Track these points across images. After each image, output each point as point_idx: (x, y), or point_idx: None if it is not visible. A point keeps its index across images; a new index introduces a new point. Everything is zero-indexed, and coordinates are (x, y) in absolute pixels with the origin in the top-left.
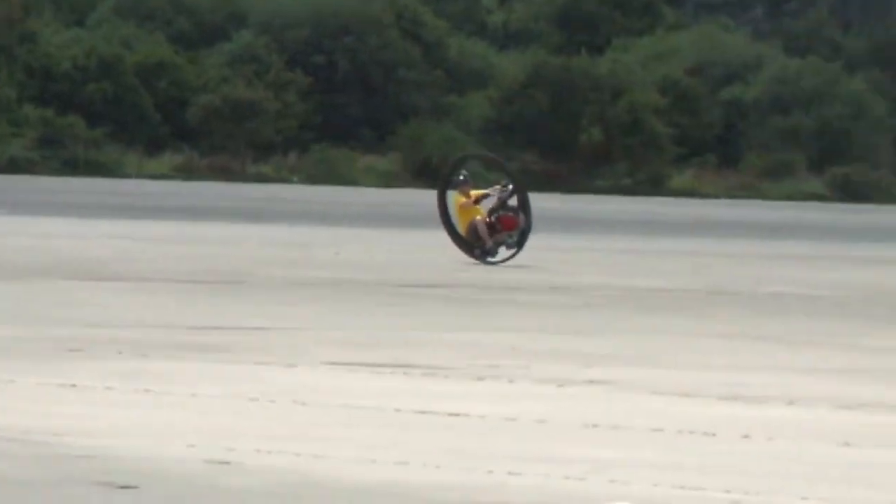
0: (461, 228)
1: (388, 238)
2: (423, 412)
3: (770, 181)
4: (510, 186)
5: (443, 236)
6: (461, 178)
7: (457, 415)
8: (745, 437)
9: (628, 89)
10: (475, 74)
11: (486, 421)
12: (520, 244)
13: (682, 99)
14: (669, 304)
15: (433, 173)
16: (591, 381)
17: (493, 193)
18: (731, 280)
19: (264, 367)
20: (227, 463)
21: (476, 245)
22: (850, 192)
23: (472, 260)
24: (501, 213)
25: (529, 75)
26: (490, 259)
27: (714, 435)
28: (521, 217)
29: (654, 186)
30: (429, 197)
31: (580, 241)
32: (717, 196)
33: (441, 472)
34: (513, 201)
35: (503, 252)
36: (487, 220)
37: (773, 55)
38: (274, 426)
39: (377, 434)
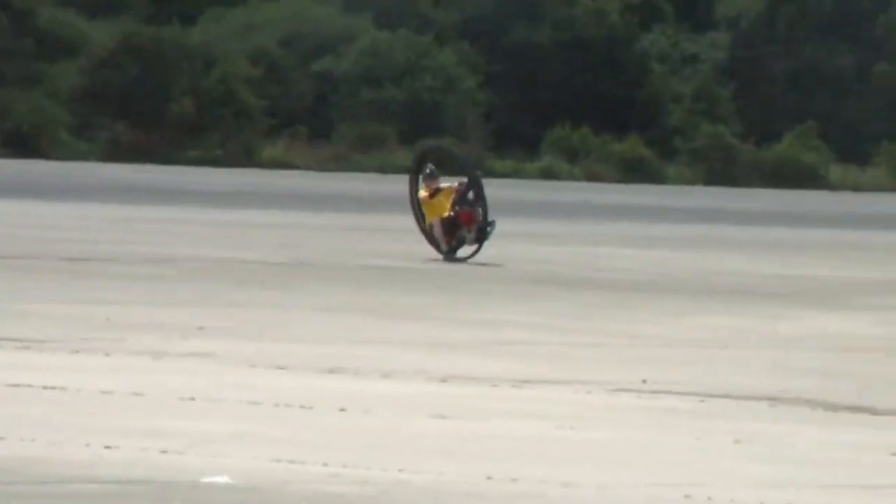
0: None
1: None
2: (17, 385)
3: (361, 153)
4: (466, 179)
5: (25, 207)
6: (428, 171)
7: (52, 388)
8: (342, 410)
9: (221, 60)
10: (66, 43)
11: (81, 394)
12: (479, 240)
13: (273, 70)
14: (262, 276)
15: (23, 142)
16: (188, 354)
17: (451, 187)
18: (324, 252)
19: None
20: None
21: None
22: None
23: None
24: (459, 207)
25: (119, 44)
26: (454, 256)
27: (311, 408)
28: (479, 211)
29: (246, 157)
30: (18, 166)
31: (171, 213)
32: (308, 168)
33: (36, 446)
34: (471, 194)
35: (464, 249)
36: (450, 213)
37: (364, 28)
38: None
39: None
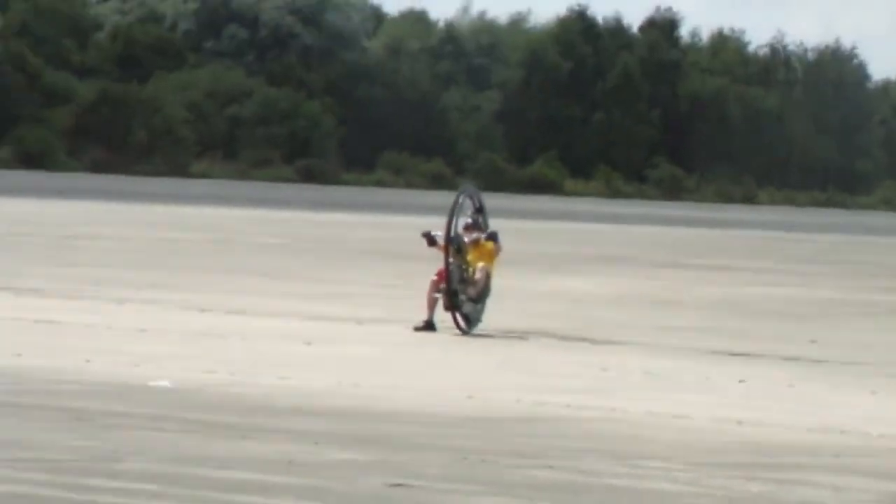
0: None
1: None
2: (40, 321)
3: (258, 169)
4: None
5: (38, 205)
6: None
7: (50, 322)
8: (243, 339)
9: (165, 106)
10: (61, 94)
11: (70, 326)
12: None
13: (198, 116)
14: (192, 250)
15: (32, 161)
16: (143, 301)
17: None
18: (236, 232)
19: None
20: None
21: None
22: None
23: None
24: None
25: (97, 96)
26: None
27: (223, 337)
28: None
29: (181, 171)
30: (28, 176)
31: (132, 207)
32: (223, 178)
33: (41, 359)
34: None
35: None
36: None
37: (260, 86)
38: None
39: None
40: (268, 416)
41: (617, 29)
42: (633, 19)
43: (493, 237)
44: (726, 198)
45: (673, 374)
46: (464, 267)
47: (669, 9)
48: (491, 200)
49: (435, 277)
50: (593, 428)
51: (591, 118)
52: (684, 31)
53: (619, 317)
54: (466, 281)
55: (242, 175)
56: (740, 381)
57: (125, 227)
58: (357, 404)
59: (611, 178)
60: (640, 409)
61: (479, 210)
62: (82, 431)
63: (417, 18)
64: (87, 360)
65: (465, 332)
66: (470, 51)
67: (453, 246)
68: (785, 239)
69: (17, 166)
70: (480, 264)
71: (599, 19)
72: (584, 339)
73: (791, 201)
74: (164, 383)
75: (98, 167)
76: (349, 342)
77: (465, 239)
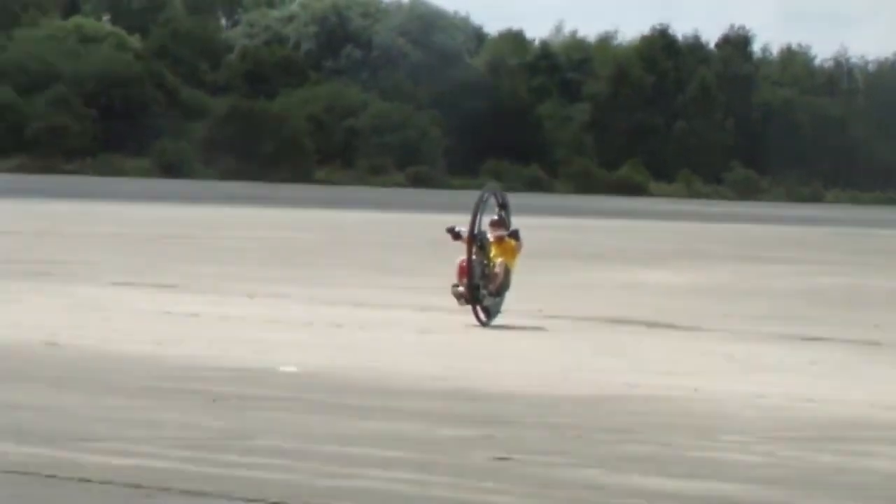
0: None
1: None
2: (169, 313)
3: (373, 176)
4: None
5: (176, 210)
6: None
7: (194, 315)
8: (362, 328)
9: (290, 120)
10: (197, 110)
11: (209, 318)
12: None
13: (319, 127)
14: (311, 247)
15: (171, 169)
16: (271, 295)
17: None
18: (351, 233)
19: None
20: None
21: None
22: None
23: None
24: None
25: (228, 111)
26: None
27: (341, 326)
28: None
29: (305, 177)
30: (168, 184)
31: (257, 210)
32: (342, 183)
33: (184, 348)
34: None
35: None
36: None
37: (374, 100)
38: None
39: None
40: (385, 398)
41: (695, 45)
42: (710, 36)
43: (515, 235)
44: (796, 197)
45: (750, 357)
46: (485, 262)
47: (743, 26)
48: (583, 201)
49: (461, 261)
50: (678, 406)
51: (672, 126)
52: (756, 47)
53: (701, 305)
54: (487, 276)
55: (359, 181)
56: (811, 363)
57: (255, 229)
58: (465, 386)
59: (691, 180)
60: (721, 389)
61: (503, 206)
62: (218, 412)
63: (515, 38)
64: (225, 349)
65: (484, 324)
66: (563, 66)
67: (476, 243)
68: (850, 234)
69: (158, 175)
70: (499, 260)
71: (679, 37)
72: (668, 326)
73: (855, 200)
74: (292, 368)
75: (230, 175)
76: (457, 331)
77: (490, 236)
